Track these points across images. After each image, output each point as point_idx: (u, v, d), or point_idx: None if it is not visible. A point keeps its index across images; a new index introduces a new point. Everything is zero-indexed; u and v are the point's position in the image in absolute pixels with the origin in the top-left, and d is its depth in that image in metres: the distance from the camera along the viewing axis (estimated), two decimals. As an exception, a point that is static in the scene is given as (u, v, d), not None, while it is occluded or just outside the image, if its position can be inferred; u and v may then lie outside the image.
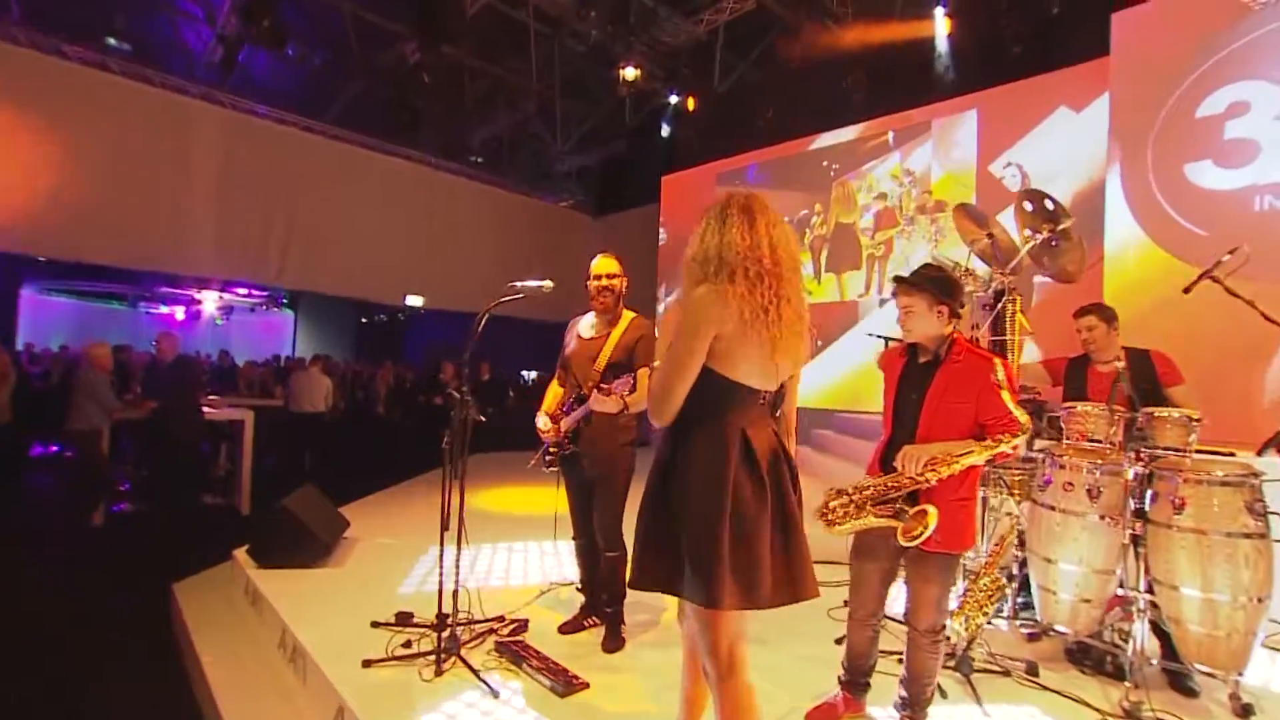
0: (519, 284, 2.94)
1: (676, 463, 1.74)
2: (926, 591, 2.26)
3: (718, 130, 9.84)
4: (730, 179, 9.99)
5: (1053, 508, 2.92)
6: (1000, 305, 2.97)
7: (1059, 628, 2.98)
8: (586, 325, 3.18)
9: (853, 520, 2.25)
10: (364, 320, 16.07)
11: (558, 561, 4.41)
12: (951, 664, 2.87)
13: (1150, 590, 2.75)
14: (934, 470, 2.11)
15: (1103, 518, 2.81)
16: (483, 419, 2.91)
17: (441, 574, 3.09)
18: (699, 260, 1.78)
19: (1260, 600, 2.50)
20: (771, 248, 1.74)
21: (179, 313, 15.49)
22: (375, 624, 3.20)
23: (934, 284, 2.21)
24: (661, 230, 10.93)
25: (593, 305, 3.13)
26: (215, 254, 9.14)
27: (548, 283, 2.94)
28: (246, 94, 9.48)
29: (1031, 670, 2.95)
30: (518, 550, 4.70)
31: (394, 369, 9.94)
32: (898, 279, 2.27)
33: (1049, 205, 2.80)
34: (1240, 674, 2.59)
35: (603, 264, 3.12)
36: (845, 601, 3.66)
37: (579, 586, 3.33)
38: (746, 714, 1.69)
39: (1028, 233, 2.90)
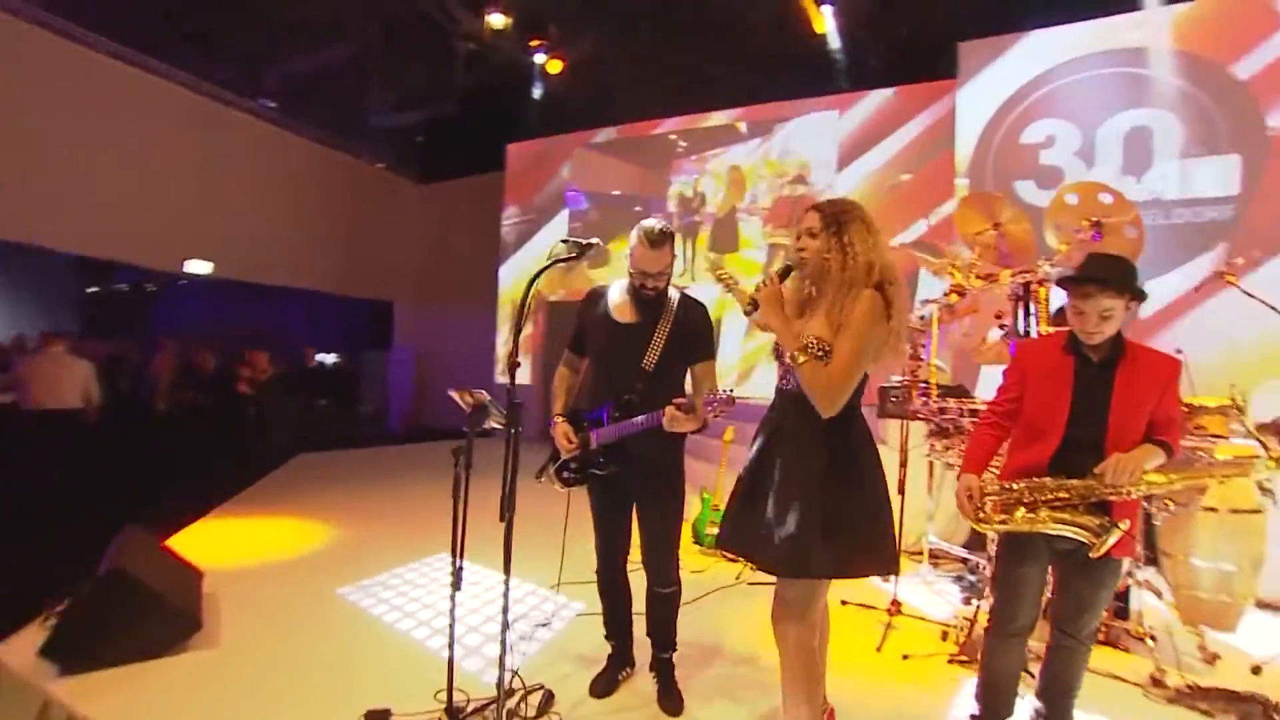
0: (570, 240, 2.09)
1: (852, 449, 1.85)
2: (1099, 596, 2.04)
3: (572, 101, 9.07)
4: (584, 150, 9.33)
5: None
6: (1028, 296, 2.91)
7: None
8: (619, 306, 2.37)
9: (1018, 522, 1.98)
10: (93, 289, 12.22)
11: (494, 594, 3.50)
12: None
13: (1153, 563, 2.91)
14: (1144, 484, 1.90)
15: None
16: (512, 429, 2.02)
17: (452, 652, 2.16)
18: (865, 266, 1.84)
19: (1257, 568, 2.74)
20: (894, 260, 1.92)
21: None
22: (340, 737, 2.13)
23: (1133, 280, 1.94)
24: (507, 204, 9.86)
25: (632, 296, 2.35)
26: None
27: (597, 240, 2.15)
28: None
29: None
30: (444, 581, 3.67)
31: (177, 352, 7.48)
32: (1093, 280, 1.91)
33: (1104, 199, 2.78)
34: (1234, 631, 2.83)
35: (650, 259, 2.24)
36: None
37: (606, 634, 2.59)
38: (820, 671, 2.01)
39: (1067, 231, 2.86)
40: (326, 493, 5.70)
